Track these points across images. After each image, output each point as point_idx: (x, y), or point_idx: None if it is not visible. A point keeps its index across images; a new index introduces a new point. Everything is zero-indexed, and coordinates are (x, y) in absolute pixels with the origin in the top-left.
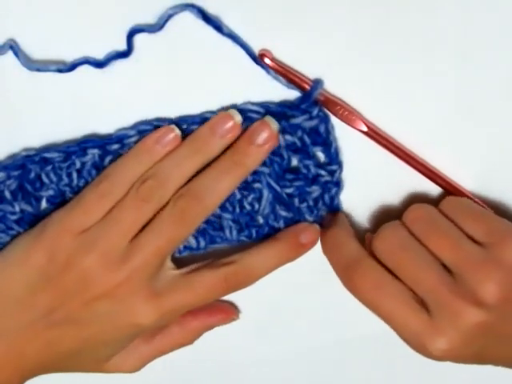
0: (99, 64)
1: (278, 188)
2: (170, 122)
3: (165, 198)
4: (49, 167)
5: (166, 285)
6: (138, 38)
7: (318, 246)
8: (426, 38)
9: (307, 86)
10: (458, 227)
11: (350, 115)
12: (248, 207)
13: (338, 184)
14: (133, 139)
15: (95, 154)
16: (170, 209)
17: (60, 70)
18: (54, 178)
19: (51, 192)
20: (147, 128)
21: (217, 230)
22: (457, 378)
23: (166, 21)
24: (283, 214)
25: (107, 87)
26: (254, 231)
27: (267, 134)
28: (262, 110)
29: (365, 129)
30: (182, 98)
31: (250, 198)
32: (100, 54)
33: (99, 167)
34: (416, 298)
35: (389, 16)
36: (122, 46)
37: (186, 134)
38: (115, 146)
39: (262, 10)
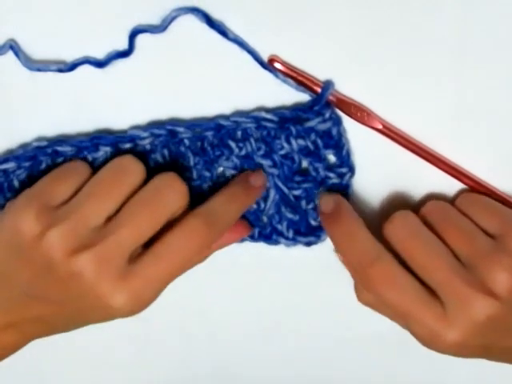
0: (100, 64)
1: (285, 190)
2: (184, 126)
3: None
4: (60, 160)
5: (135, 263)
6: (140, 39)
7: (318, 245)
8: (433, 35)
9: (318, 89)
10: (472, 221)
11: (363, 114)
12: (254, 205)
13: (347, 187)
14: (146, 141)
15: (107, 152)
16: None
17: (60, 70)
18: None
19: None
20: (161, 132)
21: None
22: (457, 378)
23: (170, 23)
24: (289, 215)
25: (108, 87)
26: (256, 231)
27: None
28: (275, 118)
29: (379, 126)
30: (183, 100)
31: None
32: (102, 55)
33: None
34: (427, 291)
35: (394, 15)
36: (124, 47)
37: (197, 139)
38: (127, 145)
39: (264, 13)
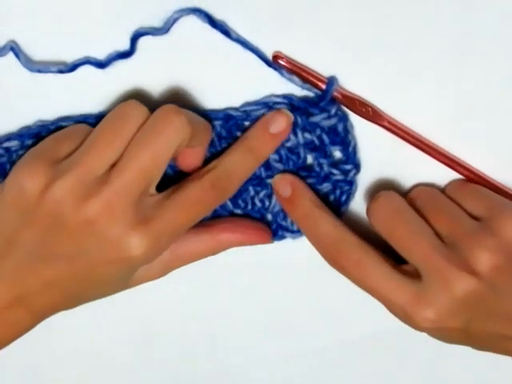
0: (101, 64)
1: None
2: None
3: None
4: None
5: (152, 209)
6: (142, 40)
7: None
8: (436, 30)
9: (322, 85)
10: (459, 206)
11: (368, 109)
12: (259, 204)
13: (352, 184)
14: None
15: None
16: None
17: (61, 71)
18: None
19: None
20: None
21: None
22: (457, 378)
23: (172, 24)
24: None
25: (109, 88)
26: None
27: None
28: (285, 101)
29: (385, 122)
30: (186, 101)
31: (261, 195)
32: (103, 56)
33: None
34: (402, 271)
35: (396, 12)
36: (125, 47)
37: None
38: None
39: (265, 12)
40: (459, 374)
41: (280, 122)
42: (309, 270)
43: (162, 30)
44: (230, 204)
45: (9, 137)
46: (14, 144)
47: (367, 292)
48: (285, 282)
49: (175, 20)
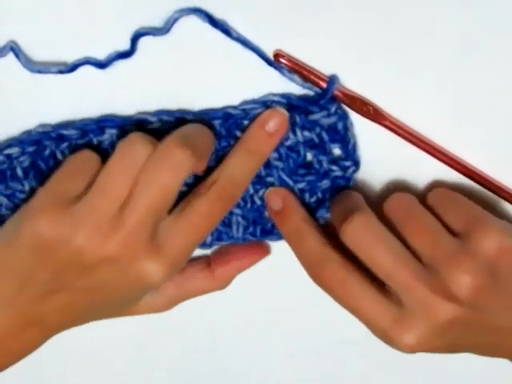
0: (101, 65)
1: (290, 183)
2: (194, 113)
3: None
4: (65, 145)
5: (165, 233)
6: (142, 39)
7: None
8: (436, 30)
9: (323, 84)
10: (438, 218)
11: (369, 108)
12: (258, 202)
13: (349, 180)
14: (154, 126)
15: (113, 134)
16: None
17: (61, 72)
18: None
19: None
20: (169, 119)
21: (225, 226)
22: (457, 378)
23: (172, 24)
24: None
25: (110, 89)
26: (258, 229)
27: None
28: (284, 100)
29: (385, 121)
30: (187, 101)
31: (260, 193)
32: (103, 56)
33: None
34: (385, 293)
35: (397, 12)
36: (126, 47)
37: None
38: (134, 129)
39: (265, 10)
40: (459, 374)
41: (276, 121)
42: None
43: (163, 30)
44: None
45: (9, 143)
46: (15, 151)
47: (350, 312)
48: (285, 282)
49: (175, 20)
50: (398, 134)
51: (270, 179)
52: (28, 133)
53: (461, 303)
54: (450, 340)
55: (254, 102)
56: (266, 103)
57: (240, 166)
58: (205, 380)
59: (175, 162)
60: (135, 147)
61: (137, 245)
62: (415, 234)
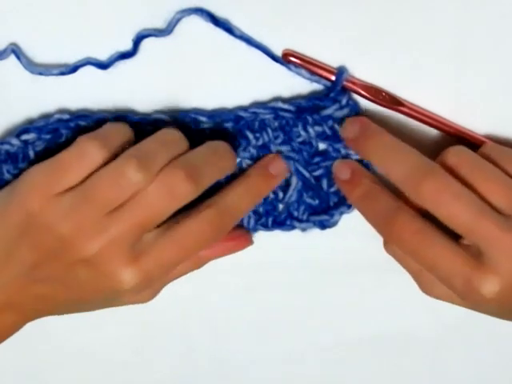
0: (102, 65)
1: (306, 174)
2: (208, 114)
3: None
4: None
5: (147, 245)
6: (145, 40)
7: (316, 245)
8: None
9: (332, 77)
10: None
11: (385, 96)
12: (271, 195)
13: (368, 165)
14: (170, 126)
15: None
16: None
17: (62, 73)
18: None
19: None
20: (185, 119)
21: None
22: (457, 378)
23: (175, 25)
24: (308, 201)
25: (112, 89)
26: (270, 220)
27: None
28: (292, 108)
29: (403, 107)
30: (191, 101)
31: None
32: (105, 56)
33: (131, 144)
34: (462, 246)
35: (398, 9)
36: (128, 48)
37: (216, 130)
38: (149, 128)
39: (268, 7)
40: (459, 374)
41: (278, 166)
42: (309, 269)
43: (166, 31)
44: None
45: (27, 128)
46: (31, 137)
47: (425, 267)
48: (285, 282)
49: (178, 20)
50: (417, 119)
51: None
52: (46, 119)
53: None
54: None
55: (263, 107)
56: (275, 110)
57: (238, 200)
58: (204, 380)
59: (177, 192)
60: (134, 168)
61: (116, 251)
62: (489, 187)
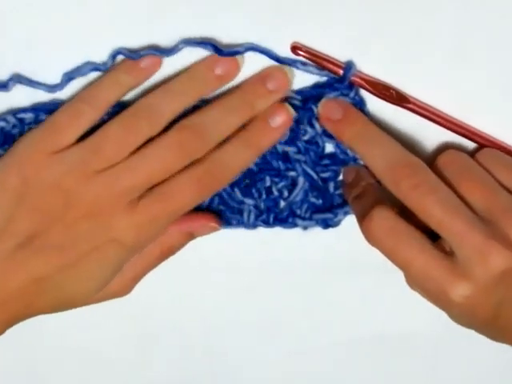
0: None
1: (314, 175)
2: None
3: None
4: None
5: (142, 198)
6: None
7: (318, 246)
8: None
9: (341, 71)
10: (492, 177)
11: (392, 93)
12: (276, 193)
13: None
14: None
15: None
16: (167, 138)
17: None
18: None
19: None
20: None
21: (235, 214)
22: (457, 378)
23: (176, 53)
24: (312, 200)
25: None
26: (271, 217)
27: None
28: (299, 96)
29: (410, 104)
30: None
31: (280, 185)
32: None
33: None
34: (436, 246)
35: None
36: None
37: None
38: None
39: (271, 3)
40: (459, 375)
41: (282, 116)
42: (309, 269)
43: (170, 51)
44: (239, 194)
45: (24, 109)
46: (28, 116)
47: (398, 265)
48: (285, 282)
49: (179, 49)
50: (424, 116)
51: (291, 173)
52: (43, 103)
53: None
54: (497, 301)
55: None
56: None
57: (234, 155)
58: (202, 380)
59: (186, 146)
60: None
61: (120, 203)
62: (470, 187)
